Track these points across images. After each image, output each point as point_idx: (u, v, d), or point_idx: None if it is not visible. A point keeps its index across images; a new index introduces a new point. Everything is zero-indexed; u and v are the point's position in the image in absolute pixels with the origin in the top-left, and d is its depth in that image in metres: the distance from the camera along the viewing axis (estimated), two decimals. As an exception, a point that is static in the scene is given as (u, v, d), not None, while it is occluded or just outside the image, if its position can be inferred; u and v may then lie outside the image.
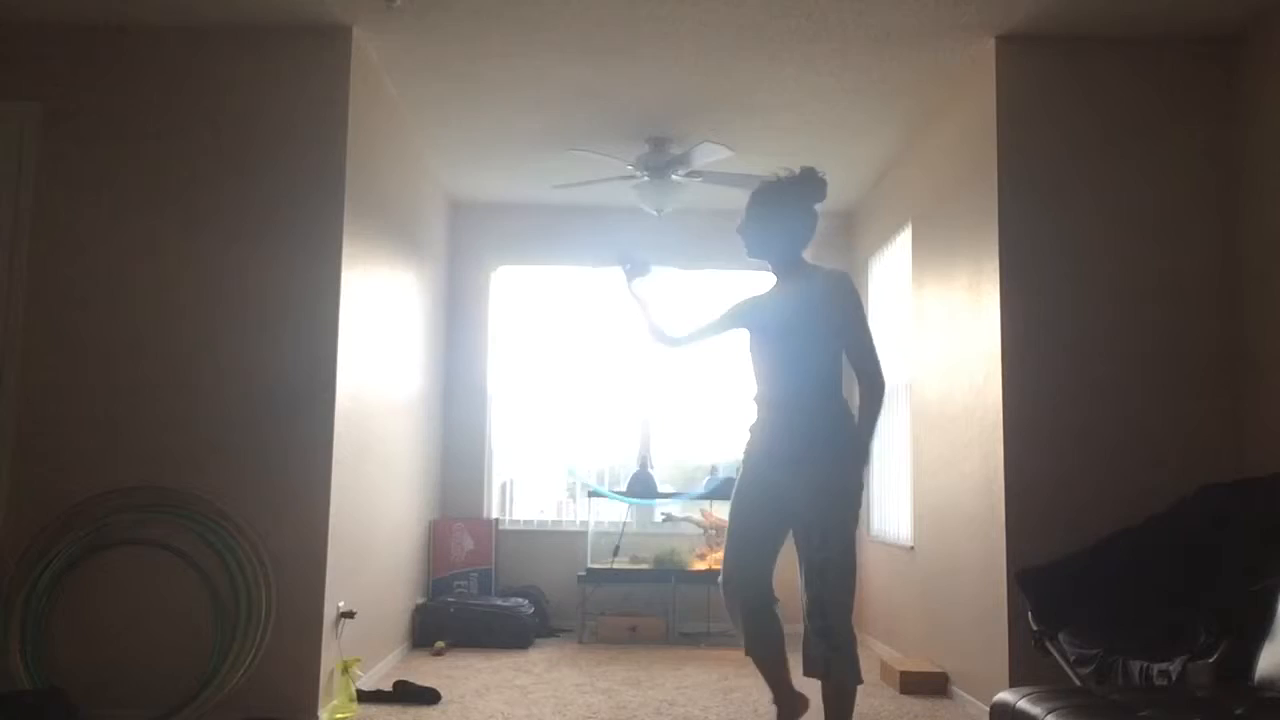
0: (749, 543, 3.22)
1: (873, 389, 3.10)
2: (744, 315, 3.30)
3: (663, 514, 6.46)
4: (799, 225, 3.21)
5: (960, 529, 4.41)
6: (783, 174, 3.24)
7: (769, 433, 3.21)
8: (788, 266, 3.24)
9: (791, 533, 3.19)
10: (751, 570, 3.21)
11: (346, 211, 4.06)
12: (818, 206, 3.25)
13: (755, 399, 3.28)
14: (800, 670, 3.15)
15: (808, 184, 3.21)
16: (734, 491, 3.29)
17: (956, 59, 4.31)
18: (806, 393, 3.14)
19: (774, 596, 3.27)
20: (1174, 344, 3.97)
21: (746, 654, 3.30)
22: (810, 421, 3.12)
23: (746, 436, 3.31)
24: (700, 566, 6.12)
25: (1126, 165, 4.04)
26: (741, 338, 3.31)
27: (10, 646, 3.66)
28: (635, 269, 3.45)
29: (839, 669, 3.04)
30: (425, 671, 4.95)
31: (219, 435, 3.93)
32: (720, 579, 3.27)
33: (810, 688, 3.23)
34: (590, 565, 6.24)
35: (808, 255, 3.29)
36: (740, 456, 3.31)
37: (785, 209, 3.21)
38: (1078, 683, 3.15)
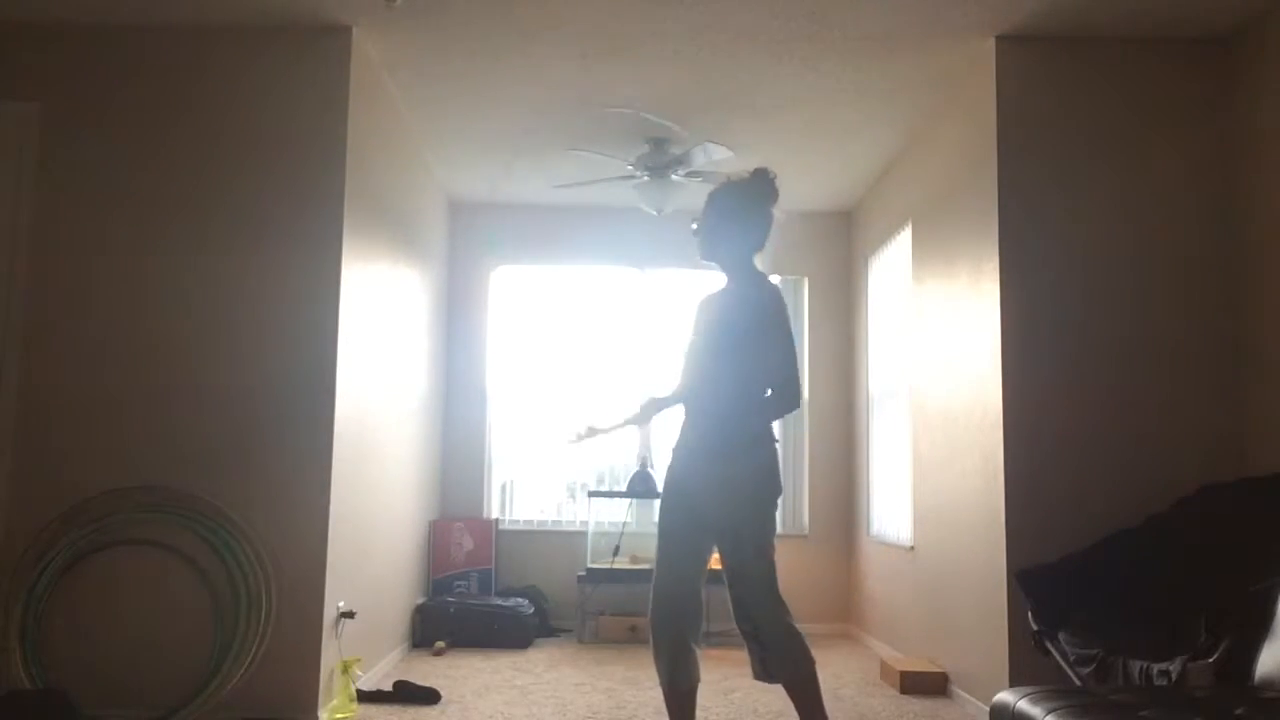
0: (678, 563, 3.11)
1: (783, 396, 3.05)
2: (697, 319, 3.23)
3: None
4: (752, 229, 3.13)
5: (960, 529, 4.41)
6: (735, 177, 3.18)
7: (689, 439, 3.15)
8: (737, 271, 3.16)
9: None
10: (684, 592, 3.10)
11: (346, 211, 4.06)
12: (775, 211, 3.16)
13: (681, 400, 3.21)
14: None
15: (762, 187, 3.14)
16: (659, 510, 3.18)
17: (956, 59, 4.31)
18: (726, 399, 3.07)
19: (701, 628, 3.14)
20: (1174, 343, 3.97)
21: (669, 688, 3.10)
22: (726, 427, 3.07)
23: (674, 443, 3.22)
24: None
25: (1126, 164, 4.05)
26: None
27: (10, 646, 3.66)
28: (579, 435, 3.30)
29: (778, 669, 3.01)
30: (425, 671, 4.95)
31: (219, 435, 3.93)
32: (650, 609, 3.11)
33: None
34: (590, 565, 6.24)
35: (760, 261, 3.19)
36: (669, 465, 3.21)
37: (740, 212, 3.13)
38: (1078, 683, 3.15)
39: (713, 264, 3.19)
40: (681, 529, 3.13)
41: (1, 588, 3.73)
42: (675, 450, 3.21)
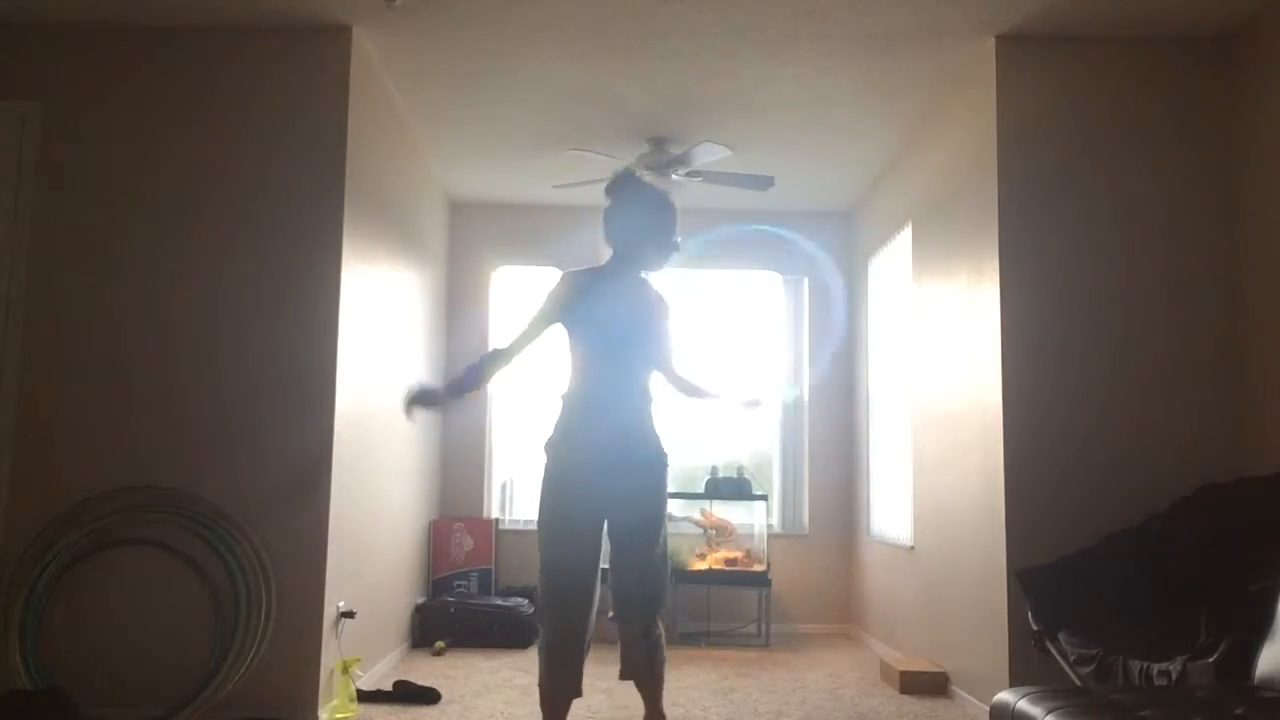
0: (584, 561, 3.11)
1: (682, 382, 3.29)
2: (571, 305, 3.15)
3: (663, 514, 6.44)
4: (669, 237, 3.21)
5: (960, 529, 4.41)
6: (638, 182, 3.27)
7: (595, 431, 3.10)
8: (635, 265, 3.21)
9: (608, 534, 3.15)
10: (589, 598, 3.12)
11: (346, 211, 4.06)
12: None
13: (571, 393, 3.16)
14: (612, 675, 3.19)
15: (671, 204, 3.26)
16: (547, 510, 3.10)
17: (956, 59, 4.31)
18: (641, 390, 3.16)
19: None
20: (1174, 344, 3.97)
21: (549, 693, 3.09)
22: (641, 418, 3.15)
23: (554, 435, 3.15)
24: (700, 566, 6.12)
25: (1126, 165, 4.05)
26: (561, 328, 3.20)
27: (10, 646, 3.66)
28: (422, 399, 3.23)
29: (660, 665, 3.13)
30: (425, 671, 4.95)
31: (219, 435, 3.93)
32: (551, 613, 3.08)
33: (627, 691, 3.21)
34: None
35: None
36: (547, 461, 3.15)
37: (665, 215, 3.21)
38: (1078, 683, 3.15)
39: (642, 265, 3.24)
40: (587, 523, 3.10)
41: (1, 588, 3.73)
42: (585, 437, 3.09)
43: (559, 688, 3.07)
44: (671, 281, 6.71)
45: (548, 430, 3.18)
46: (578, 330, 3.15)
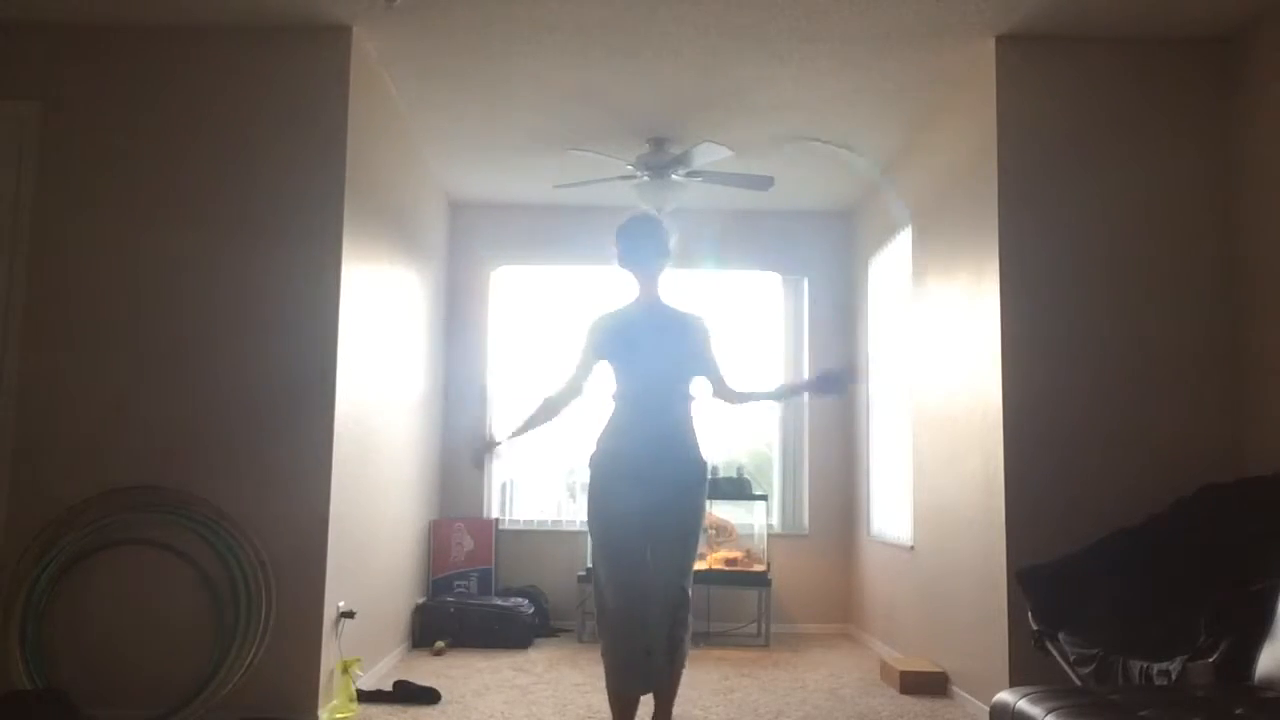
0: (638, 557, 3.21)
1: (732, 393, 3.43)
2: (605, 342, 3.40)
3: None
4: (668, 257, 3.56)
5: (960, 529, 4.41)
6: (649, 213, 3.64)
7: (632, 448, 3.27)
8: (655, 288, 3.48)
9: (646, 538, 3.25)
10: (649, 598, 3.20)
11: (346, 211, 4.06)
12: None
13: (618, 397, 3.36)
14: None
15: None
16: (599, 518, 3.26)
17: (956, 59, 4.31)
18: (675, 403, 3.30)
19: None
20: (1173, 344, 3.97)
21: (620, 692, 3.19)
22: (678, 430, 3.29)
23: (596, 450, 3.34)
24: (700, 566, 6.12)
25: (1126, 165, 4.05)
26: (604, 363, 3.42)
27: (10, 646, 3.66)
28: (480, 455, 3.60)
29: (679, 670, 3.21)
30: (425, 671, 4.95)
31: (219, 435, 3.93)
32: (611, 624, 3.18)
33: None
34: (590, 565, 6.23)
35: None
36: (591, 474, 3.33)
37: (667, 243, 3.54)
38: (1078, 683, 3.15)
39: (655, 278, 3.52)
40: (634, 531, 3.19)
41: (1, 588, 3.73)
42: (623, 447, 3.27)
43: (627, 688, 3.17)
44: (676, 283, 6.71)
45: (591, 445, 3.38)
46: (612, 360, 3.39)
